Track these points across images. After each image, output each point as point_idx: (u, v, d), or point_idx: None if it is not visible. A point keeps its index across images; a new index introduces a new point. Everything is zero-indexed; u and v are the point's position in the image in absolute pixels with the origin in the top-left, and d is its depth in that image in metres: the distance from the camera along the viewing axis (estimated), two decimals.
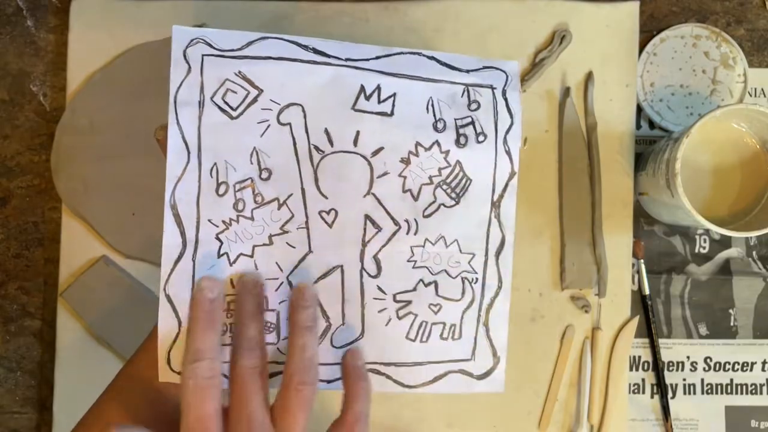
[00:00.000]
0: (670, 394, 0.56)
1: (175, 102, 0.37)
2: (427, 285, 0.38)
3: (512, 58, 0.55)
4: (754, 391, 0.57)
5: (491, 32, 0.56)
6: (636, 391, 0.56)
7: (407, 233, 0.38)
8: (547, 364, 0.55)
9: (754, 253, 0.57)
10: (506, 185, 0.39)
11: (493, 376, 0.39)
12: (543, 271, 0.55)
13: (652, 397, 0.56)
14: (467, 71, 0.39)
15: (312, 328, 0.36)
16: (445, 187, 0.38)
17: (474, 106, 0.38)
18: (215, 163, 0.37)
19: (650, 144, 0.57)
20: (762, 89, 0.58)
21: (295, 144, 0.37)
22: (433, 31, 0.56)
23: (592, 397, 0.55)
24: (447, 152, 0.38)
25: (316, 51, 0.37)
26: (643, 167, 0.54)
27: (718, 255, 0.57)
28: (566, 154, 0.56)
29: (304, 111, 0.37)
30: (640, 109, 0.57)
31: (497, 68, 0.39)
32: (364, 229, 0.38)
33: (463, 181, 0.38)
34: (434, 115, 0.38)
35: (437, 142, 0.38)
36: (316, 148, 0.37)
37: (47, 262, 0.56)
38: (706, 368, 0.57)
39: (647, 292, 0.56)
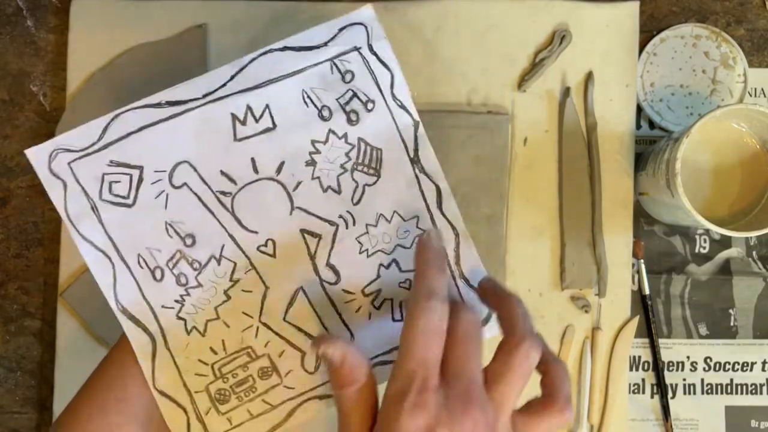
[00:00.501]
0: (670, 394, 0.56)
1: (69, 220, 0.36)
2: (387, 267, 0.38)
3: (512, 58, 0.56)
4: (754, 391, 0.57)
5: (491, 32, 0.56)
6: (636, 391, 0.56)
7: (347, 228, 0.37)
8: None
9: (754, 253, 0.57)
10: (415, 137, 0.37)
11: (492, 322, 0.39)
12: (543, 271, 0.55)
13: (652, 397, 0.56)
14: (325, 44, 0.37)
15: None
16: (360, 167, 0.37)
17: (348, 77, 0.37)
18: (139, 254, 0.36)
19: (650, 144, 0.57)
20: (762, 89, 0.58)
21: (200, 199, 0.37)
22: (433, 31, 0.56)
23: (592, 397, 0.55)
24: (345, 135, 0.37)
25: (170, 103, 0.36)
26: (643, 167, 0.54)
27: (718, 255, 0.57)
28: (566, 154, 0.56)
29: (191, 165, 0.36)
30: (640, 109, 0.57)
31: (353, 23, 0.37)
32: (306, 244, 0.37)
33: (374, 153, 0.37)
34: (315, 106, 0.37)
35: (331, 131, 0.37)
36: (222, 193, 0.37)
37: (47, 262, 0.56)
38: (706, 368, 0.57)
39: (647, 292, 0.56)
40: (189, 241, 0.37)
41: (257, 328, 0.37)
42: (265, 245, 0.37)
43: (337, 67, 0.37)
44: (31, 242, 0.56)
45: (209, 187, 0.36)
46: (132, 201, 0.36)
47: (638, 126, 0.57)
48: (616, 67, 0.56)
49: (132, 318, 0.37)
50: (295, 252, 0.37)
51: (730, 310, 0.57)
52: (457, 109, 0.56)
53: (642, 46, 0.57)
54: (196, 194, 0.36)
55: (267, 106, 0.36)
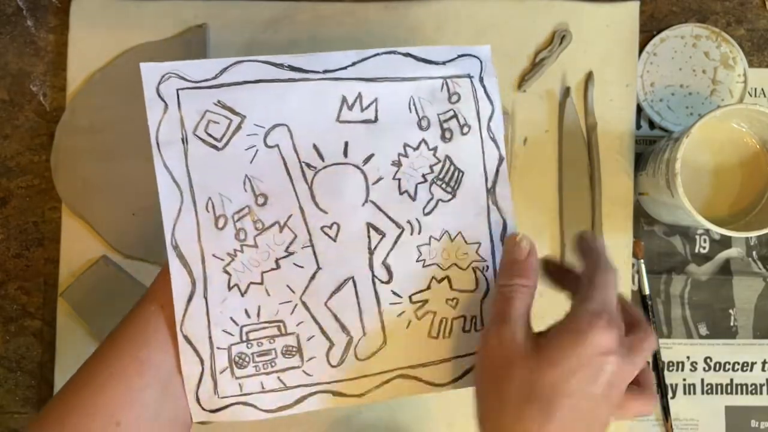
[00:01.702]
0: (670, 394, 0.56)
1: (157, 143, 0.36)
2: (440, 281, 0.38)
3: (512, 58, 0.56)
4: (754, 391, 0.57)
5: (491, 32, 0.56)
6: None
7: (411, 234, 0.38)
8: None
9: (754, 253, 0.57)
10: (497, 171, 0.39)
11: None
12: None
13: None
14: (443, 63, 0.38)
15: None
16: (439, 182, 0.38)
17: (454, 98, 0.38)
18: (210, 198, 0.37)
19: (650, 144, 0.57)
20: (762, 89, 0.58)
21: (286, 164, 0.37)
22: (433, 31, 0.56)
23: None
24: (435, 148, 0.38)
25: (292, 68, 0.37)
26: (643, 167, 0.54)
27: (718, 255, 0.57)
28: (566, 154, 0.56)
29: (290, 130, 0.37)
30: (640, 109, 0.57)
31: (471, 55, 0.39)
32: (369, 237, 0.38)
33: (456, 174, 0.38)
34: (417, 114, 0.38)
35: (424, 140, 0.38)
36: (308, 165, 0.37)
37: (47, 262, 0.56)
38: (706, 368, 0.57)
39: (647, 292, 0.56)
40: (261, 201, 0.37)
41: (296, 305, 0.37)
42: (330, 227, 0.37)
43: (447, 86, 0.38)
44: (31, 242, 0.56)
45: (298, 156, 0.37)
46: (222, 145, 0.36)
47: (638, 126, 0.57)
48: (616, 67, 0.56)
49: (181, 256, 0.37)
50: (356, 242, 0.37)
51: (730, 310, 0.57)
52: None
53: (642, 46, 0.57)
54: (283, 158, 0.37)
55: (376, 99, 0.37)
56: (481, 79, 0.39)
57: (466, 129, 0.39)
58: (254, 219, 0.37)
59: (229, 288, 0.37)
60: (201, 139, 0.36)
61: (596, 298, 0.35)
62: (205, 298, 0.37)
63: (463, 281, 0.39)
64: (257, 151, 0.37)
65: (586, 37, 0.56)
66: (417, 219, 0.38)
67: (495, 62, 0.56)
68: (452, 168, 0.38)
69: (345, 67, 0.37)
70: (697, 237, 0.57)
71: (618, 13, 0.56)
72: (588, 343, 0.33)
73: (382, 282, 0.38)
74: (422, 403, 0.55)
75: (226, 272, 0.37)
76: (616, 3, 0.56)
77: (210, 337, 0.37)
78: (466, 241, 0.39)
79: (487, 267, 0.39)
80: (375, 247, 0.38)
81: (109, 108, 0.55)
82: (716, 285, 0.57)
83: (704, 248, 0.57)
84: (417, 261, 0.38)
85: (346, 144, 0.37)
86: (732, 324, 0.57)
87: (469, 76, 0.39)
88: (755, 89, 0.58)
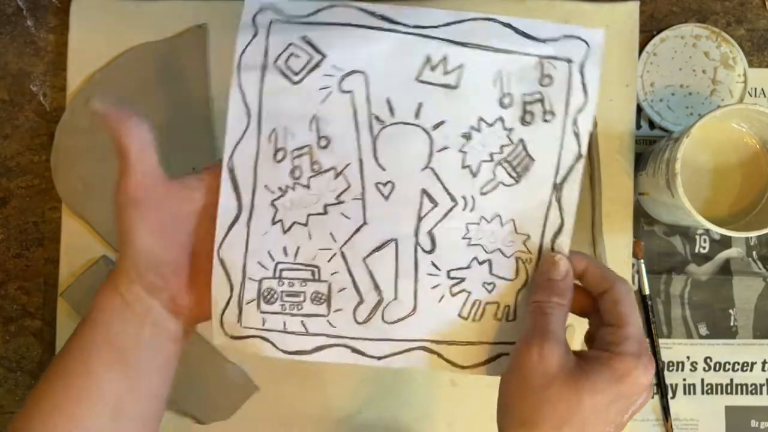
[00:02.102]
0: (670, 394, 0.56)
1: (239, 65, 0.36)
2: (481, 263, 0.38)
3: None
4: (754, 391, 0.57)
5: None
6: None
7: (463, 210, 0.37)
8: None
9: (754, 253, 0.57)
10: (571, 168, 0.37)
11: None
12: None
13: (652, 397, 0.56)
14: (544, 41, 0.36)
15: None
16: (506, 165, 0.37)
17: (546, 81, 0.37)
18: (274, 129, 0.36)
19: (650, 144, 0.57)
20: (762, 89, 0.58)
21: (355, 113, 0.37)
22: None
23: None
24: (510, 129, 0.37)
25: (383, 18, 0.36)
26: (643, 167, 0.54)
27: (718, 255, 0.57)
28: None
29: (366, 79, 0.36)
30: (640, 109, 0.57)
31: (579, 38, 0.37)
32: (421, 204, 0.37)
33: (525, 160, 0.37)
34: (501, 89, 0.36)
35: (501, 119, 0.37)
36: (377, 118, 0.37)
37: (47, 262, 0.56)
38: (706, 368, 0.57)
39: (647, 292, 0.56)
40: (323, 143, 0.37)
41: (334, 254, 0.37)
42: (385, 185, 0.37)
43: (542, 66, 0.36)
44: (31, 242, 0.56)
45: (369, 107, 0.36)
46: (298, 80, 0.36)
47: (638, 126, 0.57)
48: (616, 67, 0.56)
49: (233, 179, 0.37)
50: (407, 205, 0.37)
51: (730, 310, 0.57)
52: None
53: (642, 46, 0.57)
54: (354, 106, 0.36)
55: (461, 65, 0.36)
56: (581, 66, 0.37)
57: (549, 116, 0.37)
58: (313, 160, 0.37)
59: (273, 222, 0.37)
60: (279, 69, 0.36)
61: (635, 337, 0.36)
62: (248, 227, 0.37)
63: (504, 268, 0.38)
64: (330, 92, 0.36)
65: None
66: (473, 196, 0.37)
67: None
68: (523, 153, 0.37)
69: (437, 26, 0.36)
70: (697, 237, 0.57)
71: (618, 13, 0.56)
72: (631, 382, 0.35)
73: (425, 251, 0.37)
74: (422, 403, 0.55)
75: (274, 206, 0.37)
76: (616, 3, 0.56)
77: (244, 266, 0.37)
78: (516, 230, 0.38)
79: (531, 260, 0.38)
80: (425, 215, 0.37)
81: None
82: (716, 285, 0.57)
83: (704, 248, 0.57)
84: (463, 238, 0.38)
85: (420, 105, 0.36)
86: (732, 324, 0.57)
87: (569, 61, 0.37)
88: (755, 89, 0.58)
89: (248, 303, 0.38)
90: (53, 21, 0.57)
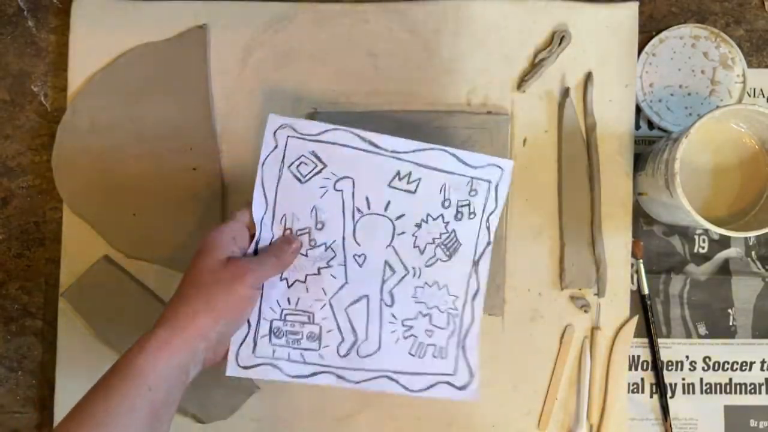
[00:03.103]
0: (669, 394, 0.56)
1: (262, 168, 0.49)
2: (424, 315, 0.51)
3: (512, 58, 0.56)
4: (753, 391, 0.57)
5: (491, 32, 0.56)
6: (635, 390, 0.56)
7: (413, 277, 0.51)
8: (547, 363, 0.56)
9: (753, 253, 0.57)
10: (483, 251, 0.51)
11: (470, 388, 0.50)
12: (542, 271, 0.56)
13: (651, 396, 0.56)
14: (475, 167, 0.50)
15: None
16: (442, 247, 0.51)
17: (473, 193, 0.51)
18: (284, 214, 0.50)
19: (649, 144, 0.57)
20: (761, 89, 0.58)
21: (343, 205, 0.50)
22: (432, 31, 0.56)
23: (591, 396, 0.55)
24: (447, 223, 0.51)
25: (371, 143, 0.50)
26: (642, 167, 0.55)
27: (717, 255, 0.57)
28: (566, 154, 0.56)
29: (353, 183, 0.50)
30: (639, 110, 0.57)
31: (497, 166, 0.50)
32: (384, 271, 0.51)
33: (456, 244, 0.51)
34: (444, 196, 0.51)
35: (442, 215, 0.51)
36: (358, 210, 0.50)
37: (48, 262, 0.56)
38: (705, 368, 0.57)
39: (646, 291, 0.56)
40: (319, 226, 0.50)
41: (324, 304, 0.50)
42: (360, 256, 0.50)
43: (472, 184, 0.51)
44: (32, 242, 0.57)
45: (353, 201, 0.50)
46: (304, 181, 0.50)
47: (637, 126, 0.57)
48: (615, 68, 0.56)
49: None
50: (375, 271, 0.50)
51: (729, 310, 0.57)
52: (457, 109, 0.56)
53: (641, 47, 0.57)
54: (343, 200, 0.50)
55: (419, 179, 0.50)
56: (496, 186, 0.51)
57: (472, 216, 0.51)
58: (310, 237, 0.50)
59: (281, 279, 0.50)
60: (292, 173, 0.50)
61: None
62: (263, 283, 0.49)
63: (439, 320, 0.51)
64: (327, 191, 0.50)
65: (586, 38, 0.56)
66: (420, 268, 0.51)
67: (494, 62, 0.56)
68: (455, 239, 0.51)
69: (407, 152, 0.50)
70: (696, 237, 0.57)
71: (617, 14, 0.56)
72: None
73: (386, 305, 0.51)
74: (422, 403, 0.55)
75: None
76: (616, 4, 0.56)
77: (260, 310, 0.49)
78: (448, 293, 0.51)
79: (457, 314, 0.51)
80: (387, 279, 0.51)
81: (110, 108, 0.55)
82: (715, 285, 0.57)
83: (703, 248, 0.57)
84: (412, 297, 0.51)
85: (389, 202, 0.50)
86: (731, 324, 0.57)
87: (489, 182, 0.51)
88: (754, 89, 0.58)
89: (262, 337, 0.50)
90: (54, 21, 0.57)
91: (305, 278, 0.50)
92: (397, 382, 0.50)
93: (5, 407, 0.56)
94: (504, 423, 0.55)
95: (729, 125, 0.52)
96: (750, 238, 0.57)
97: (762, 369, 0.57)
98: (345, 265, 0.51)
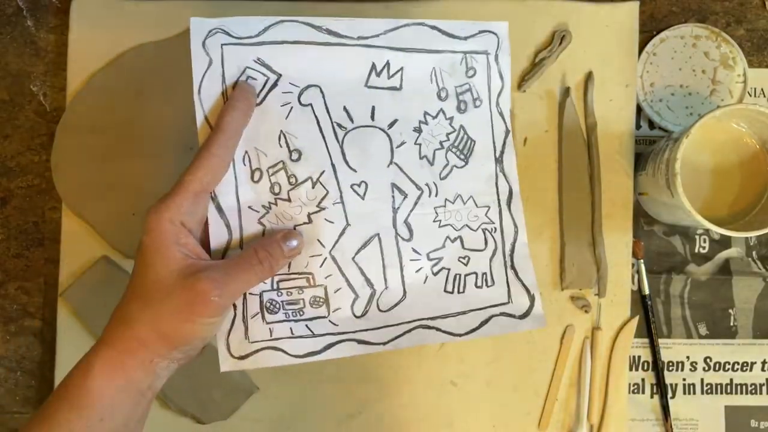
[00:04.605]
0: (669, 394, 0.56)
1: (199, 95, 0.38)
2: (453, 240, 0.42)
3: (512, 59, 0.56)
4: (753, 391, 0.57)
5: None
6: (636, 390, 0.56)
7: (429, 196, 0.41)
8: (547, 363, 0.55)
9: (753, 253, 0.57)
10: (504, 143, 0.42)
11: (533, 314, 0.42)
12: (543, 271, 0.56)
13: (651, 396, 0.56)
14: (465, 38, 0.41)
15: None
16: (454, 149, 0.41)
17: (471, 72, 0.41)
18: (246, 152, 0.38)
19: (650, 144, 0.57)
20: (762, 89, 0.58)
21: (318, 123, 0.39)
22: None
23: (591, 396, 0.55)
24: (451, 118, 0.41)
25: (329, 32, 0.39)
26: (642, 167, 0.54)
27: (717, 255, 0.57)
28: (566, 154, 0.56)
29: (322, 91, 0.39)
30: (639, 109, 0.57)
31: (490, 31, 0.42)
32: (393, 197, 0.40)
33: (468, 142, 0.42)
34: (437, 85, 0.41)
35: (442, 110, 0.41)
36: (339, 125, 0.39)
37: (47, 262, 0.56)
38: (706, 368, 0.57)
39: (647, 292, 0.56)
40: (295, 156, 0.39)
41: (325, 258, 0.39)
42: (359, 185, 0.40)
43: (466, 60, 0.41)
44: (31, 242, 0.56)
45: (330, 116, 0.39)
46: (259, 101, 0.38)
47: (638, 126, 0.57)
48: (615, 67, 0.56)
49: (219, 208, 0.39)
50: (382, 201, 0.40)
51: (730, 310, 0.57)
52: None
53: (642, 46, 0.57)
54: (316, 117, 0.39)
55: (402, 68, 0.40)
56: (496, 56, 0.42)
57: (478, 102, 0.42)
58: (288, 173, 0.39)
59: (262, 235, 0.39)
60: None
61: None
62: (241, 248, 0.39)
63: (473, 241, 0.42)
64: (292, 108, 0.39)
65: (586, 38, 0.56)
66: (434, 182, 0.41)
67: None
68: (465, 137, 0.41)
69: (377, 35, 0.40)
70: (697, 237, 0.57)
71: (618, 13, 0.56)
72: None
73: (404, 239, 0.41)
74: (422, 403, 0.55)
75: (261, 224, 0.39)
76: (616, 3, 0.56)
77: None
78: (476, 205, 0.42)
79: (495, 229, 0.42)
80: (398, 207, 0.41)
81: (109, 108, 0.55)
82: (716, 285, 0.57)
83: (704, 248, 0.57)
84: (434, 221, 0.41)
85: (373, 108, 0.40)
86: (732, 324, 0.57)
87: (486, 53, 0.42)
88: (755, 89, 0.58)
89: (253, 317, 0.39)
90: (53, 21, 0.57)
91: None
92: (438, 329, 0.41)
93: (4, 407, 0.56)
94: (504, 423, 0.55)
95: (730, 125, 0.52)
96: (751, 238, 0.57)
97: (763, 369, 0.57)
98: (342, 201, 0.39)
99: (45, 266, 0.56)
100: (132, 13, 0.56)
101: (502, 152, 0.43)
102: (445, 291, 0.41)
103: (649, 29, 0.57)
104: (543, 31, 0.56)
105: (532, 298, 0.42)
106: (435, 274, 0.41)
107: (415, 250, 0.41)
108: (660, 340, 0.56)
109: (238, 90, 0.37)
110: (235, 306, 0.39)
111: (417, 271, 0.41)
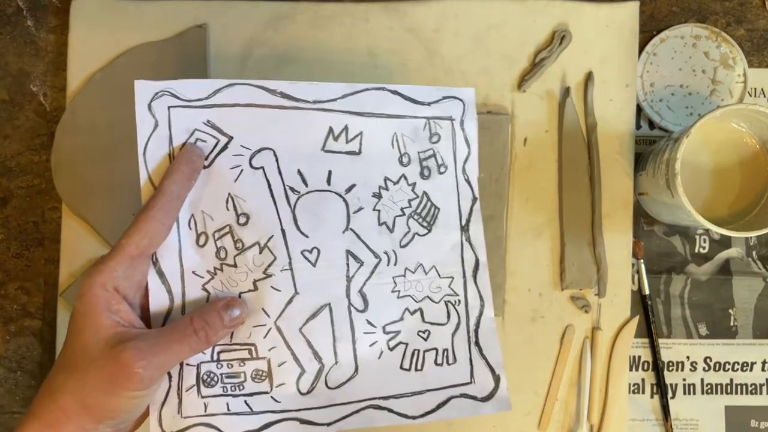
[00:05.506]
0: (669, 394, 0.56)
1: (144, 157, 0.37)
2: (413, 313, 0.39)
3: (512, 58, 0.56)
4: (753, 391, 0.57)
5: (491, 32, 0.56)
6: (636, 391, 0.56)
7: (388, 264, 0.39)
8: (547, 363, 0.55)
9: (753, 253, 0.57)
10: (470, 210, 0.40)
11: (498, 396, 0.39)
12: (543, 271, 0.56)
13: (651, 397, 0.56)
14: (428, 104, 0.39)
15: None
16: (416, 217, 0.39)
17: (435, 138, 0.39)
18: (192, 215, 0.37)
19: (650, 144, 0.57)
20: (762, 89, 0.58)
21: (270, 186, 0.37)
22: (433, 31, 0.56)
23: (592, 396, 0.55)
24: (414, 184, 0.39)
25: (284, 95, 0.37)
26: (643, 167, 0.54)
27: (717, 255, 0.57)
28: (566, 154, 0.56)
29: (275, 155, 0.37)
30: (639, 109, 0.57)
31: (455, 97, 0.40)
32: (347, 265, 0.38)
33: (432, 210, 0.40)
34: (399, 150, 0.39)
35: (404, 176, 0.39)
36: (292, 189, 0.37)
37: (47, 262, 0.56)
38: (706, 368, 0.57)
39: (647, 292, 0.56)
40: (242, 220, 0.37)
41: (269, 329, 0.37)
42: (311, 251, 0.37)
43: (429, 126, 0.40)
44: (31, 242, 0.56)
45: (282, 180, 0.37)
46: (208, 164, 0.37)
47: (638, 126, 0.57)
48: (615, 67, 0.56)
49: (160, 273, 0.37)
50: (335, 269, 0.38)
51: (730, 310, 0.57)
52: None
53: (642, 46, 0.57)
54: (268, 180, 0.37)
55: (361, 132, 0.38)
56: (461, 122, 0.40)
57: (443, 168, 0.40)
58: (235, 238, 0.37)
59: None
60: None
61: None
62: (182, 314, 0.37)
63: (435, 314, 0.39)
64: (242, 171, 0.37)
65: (586, 38, 0.56)
66: (394, 250, 0.39)
67: (495, 62, 0.56)
68: (429, 204, 0.39)
69: (335, 99, 0.38)
70: (697, 237, 0.57)
71: (618, 14, 0.56)
72: None
73: (358, 311, 0.38)
74: None
75: (206, 290, 0.37)
76: (616, 3, 0.56)
77: None
78: (439, 275, 0.39)
79: (459, 301, 0.40)
80: (353, 275, 0.38)
81: (110, 108, 0.55)
82: (716, 285, 0.57)
83: (704, 248, 0.57)
84: (392, 291, 0.39)
85: (330, 172, 0.38)
86: (732, 324, 0.57)
87: (451, 119, 0.40)
88: (755, 89, 0.58)
89: (188, 390, 0.36)
90: (53, 21, 0.57)
91: (239, 298, 0.37)
92: (390, 410, 0.38)
93: (4, 407, 0.56)
94: (504, 423, 0.55)
95: (730, 125, 0.52)
96: (751, 238, 0.57)
97: (763, 369, 0.57)
98: (291, 268, 0.37)
99: (45, 266, 0.56)
100: (132, 13, 0.56)
101: (468, 220, 0.40)
102: (401, 368, 0.39)
103: (649, 29, 0.57)
104: (543, 31, 0.56)
105: (497, 379, 0.39)
106: (391, 349, 0.39)
107: (369, 323, 0.38)
108: (660, 340, 0.56)
109: (182, 153, 0.36)
110: (170, 376, 0.36)
111: (371, 345, 0.38)
